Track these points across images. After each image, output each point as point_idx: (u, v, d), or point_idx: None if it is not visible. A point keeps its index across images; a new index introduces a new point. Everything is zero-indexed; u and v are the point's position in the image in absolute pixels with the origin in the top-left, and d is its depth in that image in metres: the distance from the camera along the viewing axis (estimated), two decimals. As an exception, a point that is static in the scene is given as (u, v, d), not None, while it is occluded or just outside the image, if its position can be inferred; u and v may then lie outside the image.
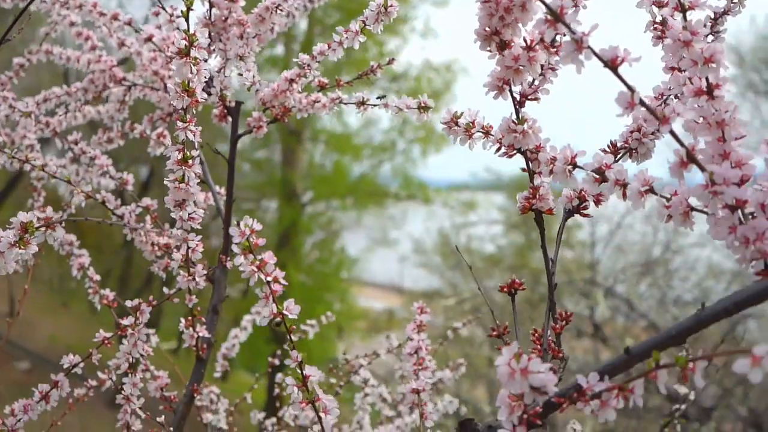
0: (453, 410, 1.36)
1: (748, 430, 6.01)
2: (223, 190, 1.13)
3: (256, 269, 0.61)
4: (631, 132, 0.68)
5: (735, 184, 0.50)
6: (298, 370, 0.64)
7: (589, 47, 0.50)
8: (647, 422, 6.13)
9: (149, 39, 1.03)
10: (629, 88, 0.51)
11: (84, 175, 1.15)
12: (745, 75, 9.01)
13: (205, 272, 0.91)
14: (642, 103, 0.50)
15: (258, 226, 0.61)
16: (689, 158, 0.51)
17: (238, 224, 0.60)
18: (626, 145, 0.68)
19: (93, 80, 1.19)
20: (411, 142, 11.62)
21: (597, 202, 0.67)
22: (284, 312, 0.63)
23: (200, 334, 0.97)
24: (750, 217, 0.51)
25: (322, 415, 0.64)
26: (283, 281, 0.62)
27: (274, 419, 1.31)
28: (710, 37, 0.72)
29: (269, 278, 0.62)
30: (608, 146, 0.69)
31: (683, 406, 1.09)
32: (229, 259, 0.96)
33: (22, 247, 0.68)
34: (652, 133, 0.67)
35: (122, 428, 0.94)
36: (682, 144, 0.51)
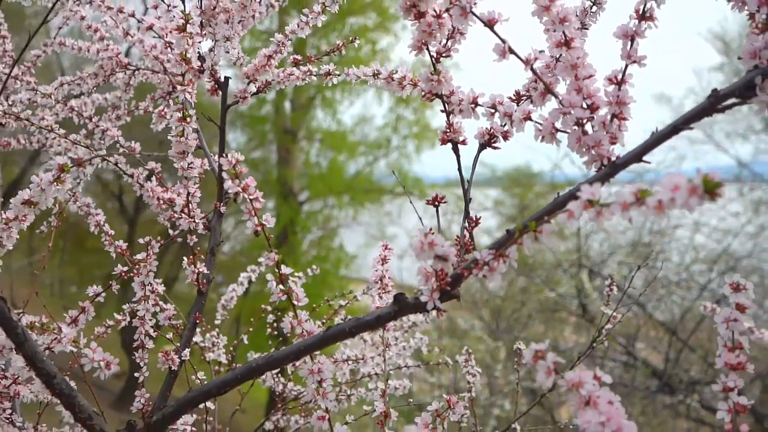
0: (425, 348, 1.56)
1: (733, 403, 6.21)
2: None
3: (241, 190, 0.81)
4: (530, 83, 0.88)
5: (579, 107, 0.70)
6: (276, 269, 0.84)
7: (472, 12, 0.70)
8: (634, 398, 6.34)
9: (150, 27, 1.22)
10: (502, 40, 0.70)
11: (98, 146, 1.34)
12: (732, 63, 9.19)
13: (203, 215, 1.11)
14: (511, 50, 0.70)
15: (241, 157, 0.81)
16: (547, 90, 0.71)
17: (227, 155, 0.80)
18: (527, 93, 0.88)
19: (102, 66, 1.39)
20: (405, 139, 11.82)
21: (505, 138, 0.87)
22: (264, 222, 0.82)
23: (200, 271, 1.17)
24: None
25: (295, 302, 0.84)
26: (261, 199, 0.82)
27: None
28: (594, 7, 0.92)
29: (252, 197, 0.81)
30: (513, 94, 0.89)
31: (609, 326, 1.29)
32: (223, 204, 1.15)
33: (59, 183, 0.87)
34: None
35: (138, 347, 1.14)
36: (542, 81, 0.71)
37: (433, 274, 0.72)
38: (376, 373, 1.37)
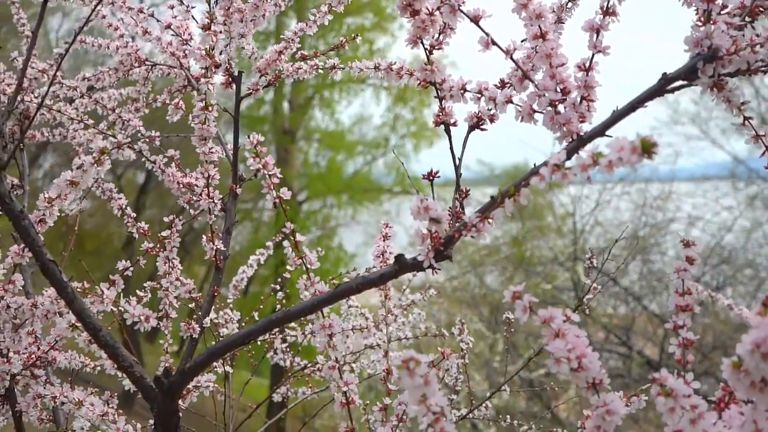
0: (422, 325, 1.68)
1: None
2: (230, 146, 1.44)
3: (261, 167, 0.93)
4: (512, 71, 0.99)
5: (553, 91, 0.82)
6: (291, 237, 0.96)
7: (460, 9, 0.82)
8: (630, 390, 6.47)
9: (168, 26, 1.34)
10: (486, 34, 0.82)
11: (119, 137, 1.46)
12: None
13: (221, 196, 1.23)
14: (493, 42, 0.82)
15: (262, 138, 0.92)
16: (524, 76, 0.83)
17: (249, 136, 0.91)
18: (509, 81, 1.00)
19: (122, 61, 1.50)
20: (403, 138, 11.95)
21: (491, 120, 0.99)
22: (281, 195, 0.94)
23: (218, 248, 1.28)
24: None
25: (308, 265, 0.95)
26: (279, 175, 0.94)
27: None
28: (570, 4, 1.03)
29: (270, 173, 0.93)
30: (498, 81, 1.00)
31: (590, 296, 1.40)
32: (239, 187, 1.27)
33: (99, 165, 0.99)
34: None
35: (162, 317, 1.25)
36: (520, 68, 0.83)
37: (429, 236, 0.84)
38: (377, 345, 1.48)
